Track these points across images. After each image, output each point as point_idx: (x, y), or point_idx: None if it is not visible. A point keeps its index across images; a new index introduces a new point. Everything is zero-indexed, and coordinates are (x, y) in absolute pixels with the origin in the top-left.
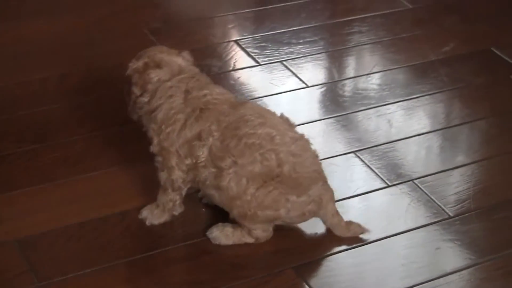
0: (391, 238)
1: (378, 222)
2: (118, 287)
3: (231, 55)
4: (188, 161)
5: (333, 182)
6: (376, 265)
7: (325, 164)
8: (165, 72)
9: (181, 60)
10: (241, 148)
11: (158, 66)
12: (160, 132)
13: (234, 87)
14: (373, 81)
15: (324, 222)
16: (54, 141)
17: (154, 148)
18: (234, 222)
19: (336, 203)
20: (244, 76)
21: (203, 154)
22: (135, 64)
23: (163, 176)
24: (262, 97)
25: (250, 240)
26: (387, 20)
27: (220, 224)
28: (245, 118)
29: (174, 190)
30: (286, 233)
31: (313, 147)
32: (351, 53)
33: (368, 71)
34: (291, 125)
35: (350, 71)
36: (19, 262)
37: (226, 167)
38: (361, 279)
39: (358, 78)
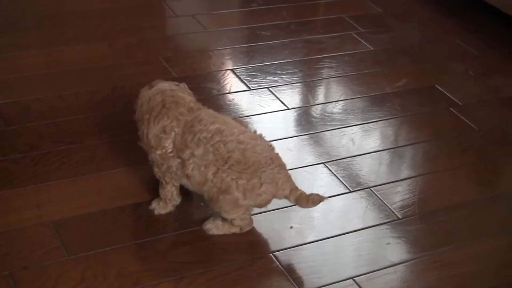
0: (351, 233)
1: (341, 220)
2: (131, 262)
3: (227, 80)
4: (159, 151)
5: (304, 187)
6: (338, 255)
7: (299, 172)
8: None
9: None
10: (195, 141)
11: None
12: (141, 134)
13: (229, 107)
14: (340, 107)
15: (288, 199)
16: (84, 143)
17: (143, 145)
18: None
19: None
20: (237, 98)
21: (169, 145)
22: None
23: (155, 170)
24: (251, 115)
25: (235, 229)
26: (353, 59)
27: (212, 218)
28: (199, 118)
29: (166, 182)
30: (267, 226)
31: (289, 157)
32: (323, 83)
33: (336, 99)
34: (244, 125)
35: (321, 98)
36: (53, 239)
37: (187, 158)
38: (325, 265)
39: (328, 103)
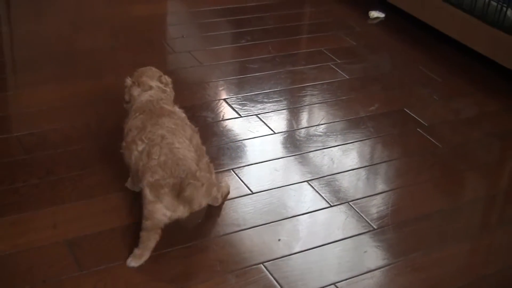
0: (332, 244)
1: (323, 232)
2: (137, 274)
3: (220, 109)
4: (124, 143)
5: (290, 203)
6: (321, 263)
7: (285, 190)
8: (138, 90)
9: (154, 83)
10: (141, 139)
11: (138, 85)
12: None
13: (222, 133)
14: (321, 130)
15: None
16: (94, 168)
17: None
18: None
19: (292, 219)
20: (229, 125)
21: (128, 139)
22: (129, 81)
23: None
24: (241, 140)
25: (146, 256)
26: (331, 87)
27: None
28: (156, 123)
29: (130, 171)
30: (258, 239)
31: (277, 176)
32: (306, 109)
33: (317, 123)
34: (190, 140)
35: (304, 122)
36: (67, 256)
37: (133, 149)
38: (310, 273)
39: (310, 127)
